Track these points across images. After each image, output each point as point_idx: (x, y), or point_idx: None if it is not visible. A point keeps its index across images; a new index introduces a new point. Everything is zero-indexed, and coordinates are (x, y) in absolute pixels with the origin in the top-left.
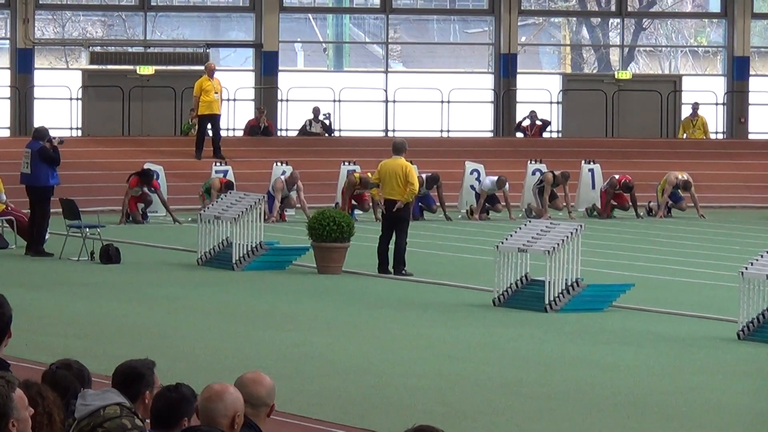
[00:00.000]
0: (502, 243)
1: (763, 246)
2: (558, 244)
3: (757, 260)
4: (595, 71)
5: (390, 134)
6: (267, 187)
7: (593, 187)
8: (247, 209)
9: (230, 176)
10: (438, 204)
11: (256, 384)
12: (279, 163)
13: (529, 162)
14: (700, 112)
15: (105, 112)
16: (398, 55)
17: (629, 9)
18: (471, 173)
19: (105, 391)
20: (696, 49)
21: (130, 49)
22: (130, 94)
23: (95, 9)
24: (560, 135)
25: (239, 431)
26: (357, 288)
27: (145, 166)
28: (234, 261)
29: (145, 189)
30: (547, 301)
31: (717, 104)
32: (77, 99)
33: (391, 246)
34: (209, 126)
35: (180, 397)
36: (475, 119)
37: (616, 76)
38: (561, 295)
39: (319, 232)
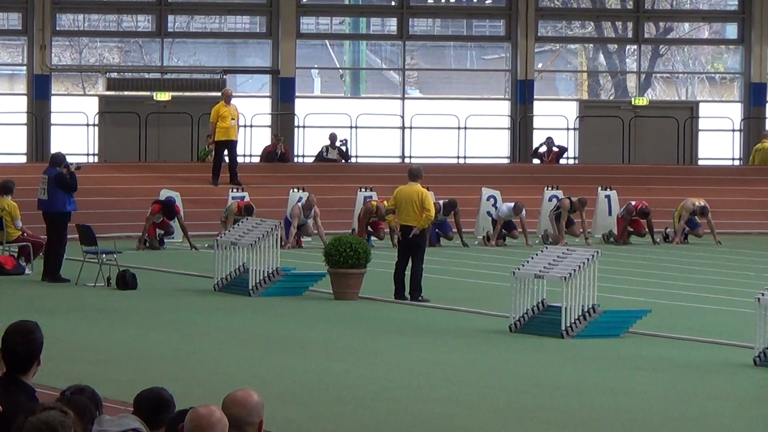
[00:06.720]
0: (519, 269)
1: None
2: (574, 271)
3: None
4: (611, 98)
5: (407, 160)
6: (283, 213)
7: (610, 213)
8: (263, 235)
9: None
10: (455, 230)
11: (236, 405)
12: (295, 190)
13: (545, 188)
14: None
15: (122, 138)
16: (415, 81)
17: (646, 36)
18: (488, 199)
19: (122, 417)
20: (713, 75)
21: (146, 76)
22: (147, 120)
23: (112, 35)
24: (577, 161)
25: None
26: (373, 314)
27: (162, 193)
28: (251, 287)
29: (166, 218)
30: (563, 327)
31: (734, 131)
32: (94, 125)
33: (408, 272)
34: (226, 152)
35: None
36: (492, 146)
37: (632, 103)
38: (577, 321)
39: (336, 258)
